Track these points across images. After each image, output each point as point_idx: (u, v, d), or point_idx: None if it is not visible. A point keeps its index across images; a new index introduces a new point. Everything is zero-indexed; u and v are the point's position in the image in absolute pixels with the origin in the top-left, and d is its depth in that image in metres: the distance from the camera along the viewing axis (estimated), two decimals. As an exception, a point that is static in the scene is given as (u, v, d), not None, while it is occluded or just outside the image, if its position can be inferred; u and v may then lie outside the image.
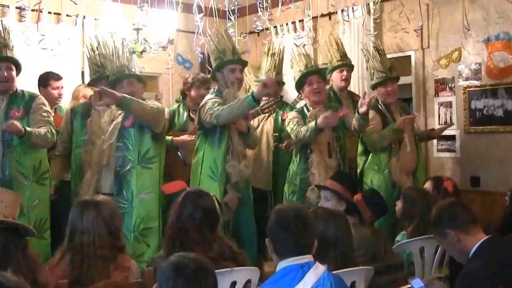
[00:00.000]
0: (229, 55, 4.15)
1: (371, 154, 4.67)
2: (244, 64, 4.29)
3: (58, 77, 4.79)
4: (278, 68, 5.18)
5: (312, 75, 4.52)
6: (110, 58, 4.12)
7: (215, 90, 4.22)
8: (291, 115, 4.59)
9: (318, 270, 2.23)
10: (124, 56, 4.12)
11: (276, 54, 5.20)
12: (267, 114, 4.99)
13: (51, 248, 3.84)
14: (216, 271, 2.45)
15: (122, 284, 2.60)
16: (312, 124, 4.29)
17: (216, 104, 3.97)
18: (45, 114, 4.04)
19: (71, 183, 4.31)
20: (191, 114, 4.82)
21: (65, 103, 5.05)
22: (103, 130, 4.06)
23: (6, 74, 3.90)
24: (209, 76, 4.71)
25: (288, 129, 4.50)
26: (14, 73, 3.96)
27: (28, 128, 3.82)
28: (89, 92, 4.67)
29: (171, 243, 2.73)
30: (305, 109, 4.58)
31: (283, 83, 5.36)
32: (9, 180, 3.82)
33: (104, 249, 2.65)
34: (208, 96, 4.20)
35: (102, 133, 4.04)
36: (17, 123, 3.75)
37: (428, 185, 4.03)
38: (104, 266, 2.60)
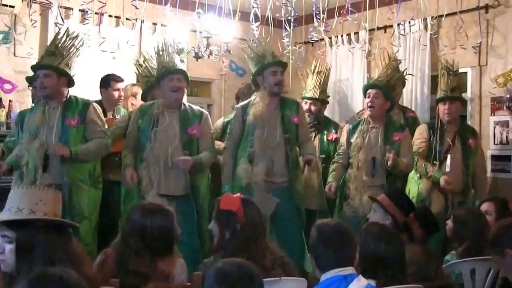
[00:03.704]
0: (269, 58, 4.20)
1: None
2: (284, 66, 4.31)
3: (119, 79, 4.86)
4: (323, 86, 5.15)
5: (371, 89, 4.49)
6: (159, 55, 4.20)
7: (245, 102, 4.33)
8: (341, 136, 4.65)
9: (361, 282, 2.23)
10: (172, 54, 4.23)
11: (322, 72, 5.19)
12: (314, 135, 4.99)
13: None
14: (265, 280, 2.48)
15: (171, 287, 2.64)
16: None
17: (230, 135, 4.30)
18: (99, 123, 4.11)
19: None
20: None
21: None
22: (167, 132, 4.09)
23: (42, 81, 3.95)
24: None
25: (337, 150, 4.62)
26: (51, 80, 3.95)
27: (74, 149, 3.90)
28: (137, 89, 4.83)
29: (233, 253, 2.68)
30: (362, 121, 4.54)
31: (327, 102, 5.35)
32: (69, 186, 3.93)
33: (154, 257, 2.67)
34: (236, 107, 4.39)
35: (167, 135, 4.08)
36: (62, 147, 3.84)
37: (488, 207, 3.84)
38: (143, 275, 2.61)
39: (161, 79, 4.14)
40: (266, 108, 4.16)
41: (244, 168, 4.08)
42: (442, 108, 4.69)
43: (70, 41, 4.05)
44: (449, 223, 3.61)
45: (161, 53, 4.19)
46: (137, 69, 4.56)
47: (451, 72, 4.76)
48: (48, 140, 3.93)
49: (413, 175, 4.68)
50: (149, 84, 4.55)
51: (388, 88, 4.60)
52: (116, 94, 4.75)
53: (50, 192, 2.19)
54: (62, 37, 4.05)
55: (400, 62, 5.11)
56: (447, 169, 4.55)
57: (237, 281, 1.92)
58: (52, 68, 3.96)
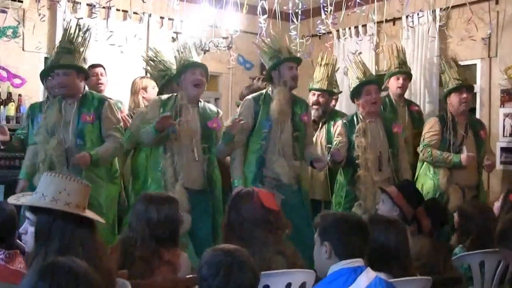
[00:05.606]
0: (285, 53, 4.18)
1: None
2: (299, 62, 4.30)
3: (95, 65, 4.90)
4: (330, 78, 5.12)
5: (371, 85, 4.43)
6: (183, 51, 4.16)
7: (256, 94, 4.26)
8: (337, 130, 4.53)
9: (370, 274, 2.22)
10: (189, 51, 4.19)
11: (329, 64, 5.16)
12: (320, 126, 4.98)
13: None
14: (272, 271, 2.49)
15: (178, 279, 2.64)
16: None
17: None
18: (114, 120, 4.06)
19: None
20: None
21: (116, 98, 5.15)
22: (191, 125, 4.03)
23: (61, 81, 3.91)
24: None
25: (333, 143, 4.50)
26: (71, 78, 3.93)
27: (94, 153, 3.84)
28: (146, 82, 4.79)
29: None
30: (355, 118, 4.47)
31: (335, 94, 5.33)
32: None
33: (159, 246, 2.68)
34: (246, 99, 4.28)
35: (190, 128, 4.02)
36: (82, 156, 3.77)
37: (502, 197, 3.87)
38: (148, 263, 2.63)
39: (184, 72, 4.08)
40: (286, 104, 4.13)
41: (281, 165, 4.02)
42: (458, 98, 4.64)
43: (82, 35, 4.01)
44: (455, 216, 3.60)
45: (182, 50, 4.15)
46: (148, 63, 4.54)
47: (458, 65, 4.76)
48: (65, 137, 3.91)
49: (426, 170, 4.65)
50: (167, 77, 4.52)
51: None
52: (94, 78, 4.80)
53: (77, 183, 2.19)
54: (74, 31, 4.00)
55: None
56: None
57: (230, 268, 1.96)
58: (73, 67, 3.94)
